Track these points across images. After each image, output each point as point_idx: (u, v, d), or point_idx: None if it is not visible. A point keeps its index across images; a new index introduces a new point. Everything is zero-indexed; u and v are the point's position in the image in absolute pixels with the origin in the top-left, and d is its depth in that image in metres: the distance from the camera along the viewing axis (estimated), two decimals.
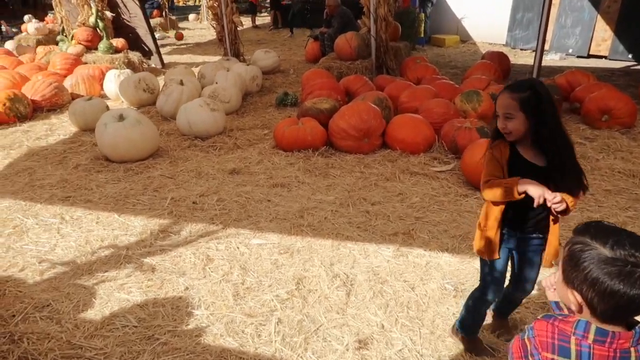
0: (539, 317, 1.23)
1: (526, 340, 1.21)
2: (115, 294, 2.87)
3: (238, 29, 8.92)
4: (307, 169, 4.64)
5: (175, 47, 13.81)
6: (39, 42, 11.72)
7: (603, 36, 10.32)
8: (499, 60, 8.31)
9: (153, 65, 9.84)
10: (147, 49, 9.84)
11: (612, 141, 5.21)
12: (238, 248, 3.35)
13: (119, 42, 9.24)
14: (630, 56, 9.91)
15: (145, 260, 3.21)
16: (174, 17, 18.93)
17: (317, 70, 7.29)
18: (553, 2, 11.21)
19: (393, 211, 3.84)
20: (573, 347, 1.13)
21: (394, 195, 4.14)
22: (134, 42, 9.73)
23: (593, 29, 10.34)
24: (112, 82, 7.24)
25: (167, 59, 11.25)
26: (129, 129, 4.71)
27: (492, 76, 7.21)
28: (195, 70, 8.63)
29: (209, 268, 3.12)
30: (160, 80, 8.09)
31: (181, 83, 6.27)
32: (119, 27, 9.77)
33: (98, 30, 9.23)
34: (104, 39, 9.05)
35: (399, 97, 6.04)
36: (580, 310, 1.17)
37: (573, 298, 1.16)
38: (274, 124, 5.97)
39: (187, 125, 5.39)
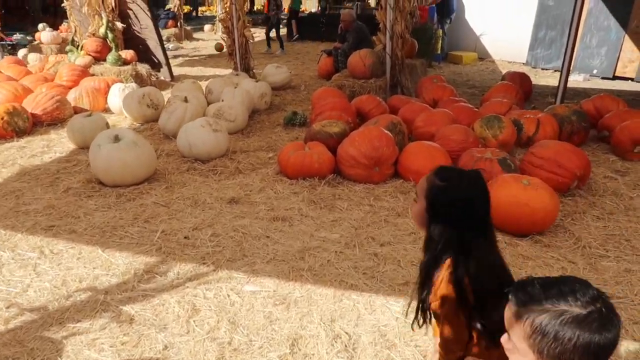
0: None
1: None
2: (85, 352, 2.52)
3: (250, 42, 8.64)
4: (312, 200, 4.28)
5: (187, 58, 13.64)
6: (53, 51, 11.63)
7: (630, 57, 9.85)
8: (520, 81, 7.90)
9: (162, 78, 9.62)
10: (156, 61, 9.63)
11: None
12: (229, 296, 2.99)
13: (128, 53, 9.03)
14: None
15: (124, 308, 2.87)
16: (189, 28, 18.87)
17: (328, 88, 6.96)
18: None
19: (404, 255, 3.45)
20: None
21: (406, 234, 3.75)
22: (144, 54, 9.52)
23: (620, 50, 9.88)
24: (117, 96, 6.99)
25: (177, 70, 11.06)
26: (123, 151, 4.41)
27: (513, 99, 6.80)
28: (204, 84, 8.38)
29: (194, 321, 2.76)
30: (167, 95, 7.84)
31: (185, 100, 5.98)
32: (129, 39, 9.58)
33: (108, 42, 9.04)
34: (113, 50, 8.85)
35: (414, 121, 5.67)
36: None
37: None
38: (280, 147, 5.64)
39: (188, 147, 5.08)
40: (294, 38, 16.13)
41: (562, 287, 1.08)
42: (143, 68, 8.85)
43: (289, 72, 8.95)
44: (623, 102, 6.33)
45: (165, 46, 13.18)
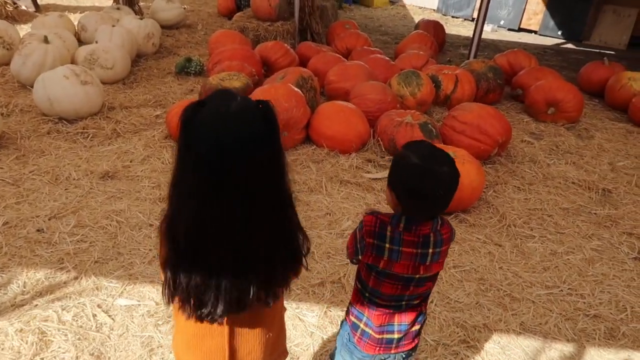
0: (367, 213, 1.49)
1: (357, 232, 1.51)
2: None
3: None
4: None
5: None
6: None
7: (535, 9, 9.90)
8: (434, 31, 7.52)
9: (24, 7, 7.89)
10: None
11: (560, 140, 4.66)
12: (94, 316, 2.28)
13: None
14: (559, 33, 9.61)
15: None
16: None
17: (228, 31, 6.03)
18: None
19: (320, 244, 2.93)
20: (388, 234, 1.43)
21: (320, 216, 3.22)
22: None
23: (526, 2, 9.88)
24: None
25: (46, 0, 9.22)
26: None
27: (428, 51, 6.41)
28: (76, 18, 6.95)
29: (42, 359, 2.04)
30: (28, 32, 6.39)
31: (45, 40, 4.76)
32: None
33: None
34: None
35: (327, 74, 5.05)
36: (396, 208, 1.46)
37: (390, 197, 1.45)
38: (171, 102, 4.75)
39: (48, 103, 4.02)
40: None
41: (422, 148, 1.43)
42: None
43: (183, 8, 7.74)
44: (535, 59, 6.20)
45: None
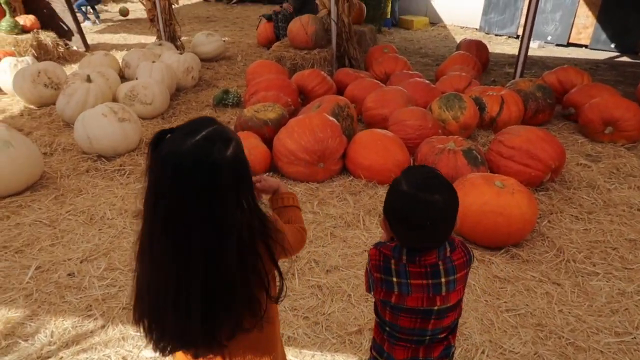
0: (371, 247, 1.42)
1: (367, 266, 1.43)
2: None
3: (173, 6, 7.44)
4: None
5: (111, 23, 12.08)
6: None
7: (585, 23, 9.43)
8: (477, 50, 7.24)
9: (75, 48, 8.27)
10: (66, 28, 8.24)
11: (620, 162, 4.27)
12: None
13: (27, 19, 7.61)
14: (612, 46, 9.08)
15: None
16: None
17: (265, 62, 6.02)
18: None
19: (356, 285, 2.73)
20: (392, 267, 1.34)
21: (358, 253, 3.03)
22: (50, 20, 8.10)
23: (574, 15, 9.43)
24: (7, 73, 5.74)
25: (97, 38, 9.68)
26: None
27: (471, 72, 6.15)
28: (122, 55, 7.20)
29: None
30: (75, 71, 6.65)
31: (88, 79, 4.89)
32: (29, 1, 8.08)
33: (1, 5, 7.56)
34: (7, 15, 7.39)
35: (365, 101, 4.90)
36: (389, 237, 1.41)
37: (384, 225, 1.35)
38: None
39: (87, 141, 4.08)
40: (233, 1, 14.76)
41: (415, 175, 1.36)
42: (48, 37, 7.49)
43: (223, 41, 7.86)
44: (588, 75, 5.81)
45: (87, 9, 11.62)
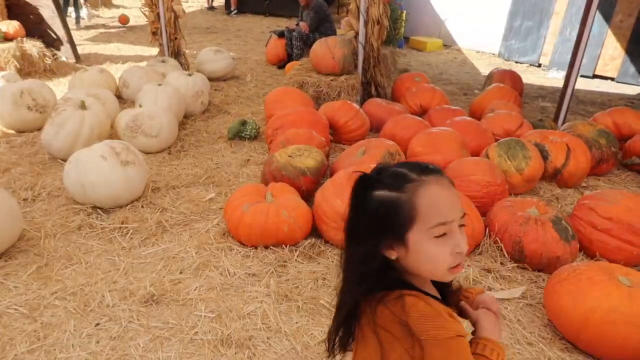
0: None
1: None
2: None
3: (179, 20, 6.66)
4: (284, 293, 2.66)
5: (104, 30, 11.20)
6: None
7: (612, 54, 8.93)
8: (512, 82, 6.62)
9: (64, 59, 7.41)
10: (55, 36, 7.38)
11: None
12: None
13: (11, 25, 6.75)
14: None
15: None
16: None
17: (287, 88, 5.27)
18: (556, 10, 9.74)
19: None
20: None
21: None
22: (37, 27, 7.24)
23: (602, 46, 8.94)
24: None
25: (88, 48, 8.82)
26: None
27: (515, 108, 5.49)
28: (121, 68, 6.38)
29: None
30: (64, 87, 5.81)
31: (82, 106, 4.07)
32: (14, 5, 7.21)
33: None
34: None
35: (411, 144, 4.18)
36: None
37: None
38: (225, 177, 3.95)
39: (81, 189, 3.26)
40: (233, 12, 14.03)
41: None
42: (33, 46, 6.63)
43: (232, 59, 7.09)
44: None
45: (80, 15, 10.77)
